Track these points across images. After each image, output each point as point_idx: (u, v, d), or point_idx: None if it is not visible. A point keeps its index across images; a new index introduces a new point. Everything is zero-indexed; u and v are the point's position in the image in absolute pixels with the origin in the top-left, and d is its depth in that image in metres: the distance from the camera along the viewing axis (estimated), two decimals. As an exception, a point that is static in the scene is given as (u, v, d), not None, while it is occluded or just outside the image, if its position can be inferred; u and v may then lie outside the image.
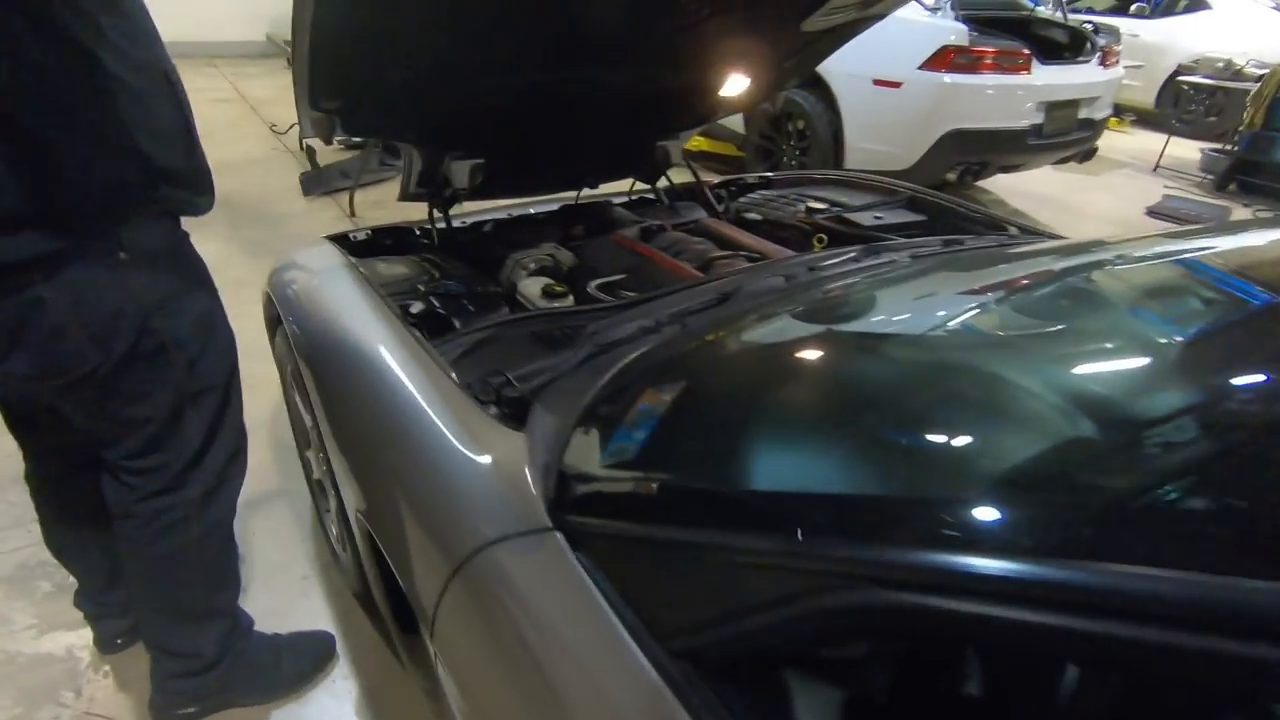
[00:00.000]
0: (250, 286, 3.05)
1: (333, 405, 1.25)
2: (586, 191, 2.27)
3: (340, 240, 1.79)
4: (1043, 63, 3.76)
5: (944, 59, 3.52)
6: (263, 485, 2.00)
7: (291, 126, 5.19)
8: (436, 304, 1.43)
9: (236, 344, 1.21)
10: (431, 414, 1.04)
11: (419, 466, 1.00)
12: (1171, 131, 6.48)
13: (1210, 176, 5.61)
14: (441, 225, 1.93)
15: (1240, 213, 4.94)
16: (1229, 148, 5.54)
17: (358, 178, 4.03)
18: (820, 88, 3.91)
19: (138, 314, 0.99)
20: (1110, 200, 5.06)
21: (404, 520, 1.01)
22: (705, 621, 0.63)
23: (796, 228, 2.08)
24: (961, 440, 0.69)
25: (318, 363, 1.33)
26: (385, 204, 4.10)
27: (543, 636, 0.74)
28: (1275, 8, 7.09)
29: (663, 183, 2.39)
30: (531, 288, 1.51)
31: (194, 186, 1.06)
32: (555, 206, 2.24)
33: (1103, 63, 4.10)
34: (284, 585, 1.70)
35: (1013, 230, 1.90)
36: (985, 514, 0.57)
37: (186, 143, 1.04)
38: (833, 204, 2.21)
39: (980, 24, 3.75)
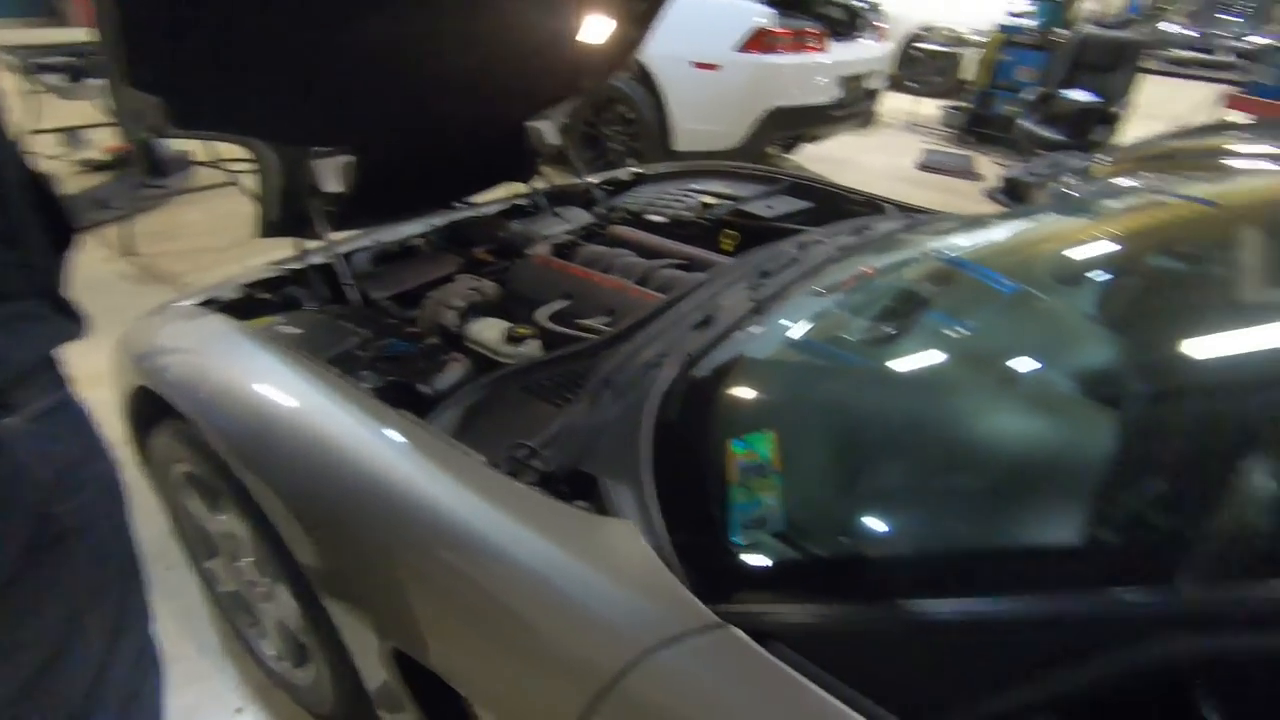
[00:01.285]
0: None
1: (321, 523, 1.04)
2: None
3: (213, 304, 1.48)
4: (835, 40, 4.10)
5: (759, 41, 3.70)
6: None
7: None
8: (390, 372, 1.23)
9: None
10: (477, 511, 0.90)
11: (491, 577, 0.86)
12: (909, 91, 7.48)
13: (953, 130, 6.55)
14: (317, 260, 1.67)
15: (981, 160, 5.80)
16: (964, 104, 6.50)
17: (131, 207, 3.36)
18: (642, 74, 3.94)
19: (36, 496, 0.67)
20: (887, 159, 5.71)
21: (485, 644, 0.87)
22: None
23: (697, 224, 2.08)
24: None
25: (275, 468, 1.09)
26: (173, 234, 3.46)
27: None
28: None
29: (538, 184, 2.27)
30: (488, 333, 1.36)
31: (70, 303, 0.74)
32: (420, 227, 2.03)
33: (878, 38, 4.57)
34: (222, 729, 1.42)
35: (890, 208, 2.06)
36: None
37: (54, 225, 0.71)
38: (721, 196, 2.24)
39: (772, 5, 3.98)
